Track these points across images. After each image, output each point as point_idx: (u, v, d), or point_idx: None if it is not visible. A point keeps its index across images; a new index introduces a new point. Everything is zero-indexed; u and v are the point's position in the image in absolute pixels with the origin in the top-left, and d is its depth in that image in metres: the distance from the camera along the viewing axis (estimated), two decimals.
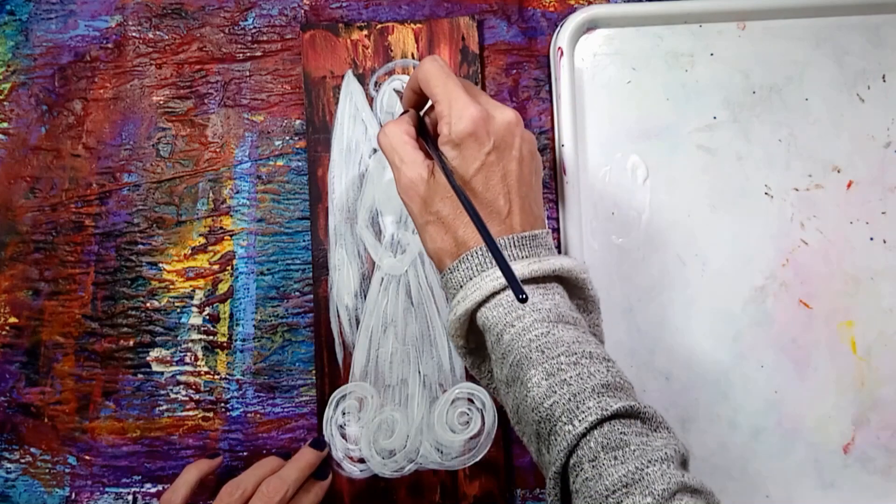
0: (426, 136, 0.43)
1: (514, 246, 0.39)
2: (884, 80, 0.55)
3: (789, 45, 0.55)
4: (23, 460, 0.53)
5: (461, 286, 0.39)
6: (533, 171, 0.42)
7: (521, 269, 0.38)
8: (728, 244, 0.53)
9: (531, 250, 0.39)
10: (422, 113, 0.46)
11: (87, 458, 0.53)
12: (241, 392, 0.53)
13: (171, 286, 0.55)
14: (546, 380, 0.35)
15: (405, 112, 0.45)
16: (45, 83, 0.57)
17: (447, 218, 0.40)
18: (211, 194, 0.56)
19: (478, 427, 0.52)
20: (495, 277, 0.38)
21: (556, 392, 0.35)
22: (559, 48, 0.54)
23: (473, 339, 0.42)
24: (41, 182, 0.56)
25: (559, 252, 0.52)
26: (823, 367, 0.52)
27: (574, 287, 0.41)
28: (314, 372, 0.53)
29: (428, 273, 0.54)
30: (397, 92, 0.55)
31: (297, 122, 0.56)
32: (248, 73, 0.57)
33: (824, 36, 0.55)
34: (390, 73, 0.56)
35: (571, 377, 0.35)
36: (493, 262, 0.38)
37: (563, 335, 0.37)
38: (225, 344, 0.54)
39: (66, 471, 0.53)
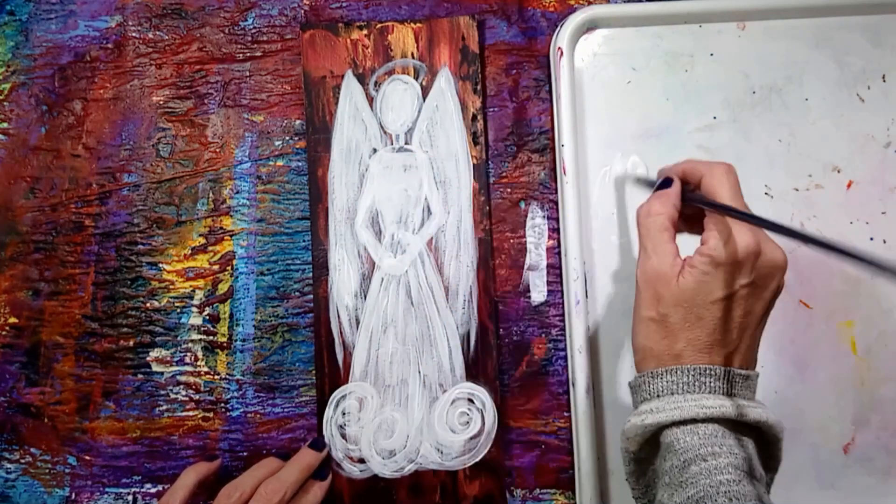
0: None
1: (728, 381, 0.38)
2: (884, 80, 0.55)
3: (789, 45, 0.55)
4: (23, 460, 0.53)
5: (658, 395, 0.39)
6: (769, 312, 0.41)
7: (729, 407, 0.37)
8: None
9: (741, 391, 0.39)
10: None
11: (87, 458, 0.53)
12: (241, 392, 0.53)
13: (171, 286, 0.55)
14: None
15: (668, 181, 0.43)
16: (45, 83, 0.57)
17: (674, 325, 0.39)
18: (211, 194, 0.56)
19: (478, 427, 0.52)
20: (702, 406, 0.37)
21: None
22: (559, 48, 0.53)
23: (645, 449, 0.41)
24: (41, 182, 0.56)
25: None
26: (823, 367, 0.52)
27: (765, 443, 0.40)
28: (314, 372, 0.53)
29: (428, 273, 0.54)
30: (641, 179, 0.51)
31: (297, 122, 0.56)
32: (248, 73, 0.57)
33: (824, 36, 0.55)
34: (390, 72, 0.56)
35: None
36: (703, 387, 0.38)
37: (752, 490, 0.36)
38: (225, 344, 0.54)
39: (66, 471, 0.53)
